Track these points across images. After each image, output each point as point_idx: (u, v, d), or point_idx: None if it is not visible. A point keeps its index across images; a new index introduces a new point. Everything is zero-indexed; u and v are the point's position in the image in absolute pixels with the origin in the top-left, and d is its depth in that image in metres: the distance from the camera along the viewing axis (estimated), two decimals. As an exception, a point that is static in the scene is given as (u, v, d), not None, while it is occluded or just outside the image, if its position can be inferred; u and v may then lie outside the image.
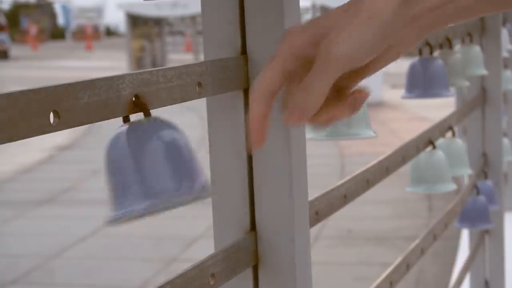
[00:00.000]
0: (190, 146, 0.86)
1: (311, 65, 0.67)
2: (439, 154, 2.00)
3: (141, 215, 0.80)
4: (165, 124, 0.85)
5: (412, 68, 1.85)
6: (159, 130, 0.84)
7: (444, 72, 1.85)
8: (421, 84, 1.83)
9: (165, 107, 0.93)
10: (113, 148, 0.83)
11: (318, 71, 0.66)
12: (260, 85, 0.71)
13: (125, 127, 0.84)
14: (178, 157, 0.84)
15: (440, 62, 1.85)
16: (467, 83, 2.12)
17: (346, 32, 0.65)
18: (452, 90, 1.92)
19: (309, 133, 1.29)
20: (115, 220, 0.81)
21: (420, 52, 1.87)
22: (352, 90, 0.72)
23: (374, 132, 1.33)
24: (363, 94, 0.72)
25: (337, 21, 0.66)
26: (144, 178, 0.82)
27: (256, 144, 0.74)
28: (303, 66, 0.69)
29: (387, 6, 0.65)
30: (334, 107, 0.71)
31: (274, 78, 0.71)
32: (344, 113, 0.72)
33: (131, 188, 0.81)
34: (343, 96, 0.71)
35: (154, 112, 0.90)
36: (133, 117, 0.87)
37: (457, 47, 2.27)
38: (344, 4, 0.67)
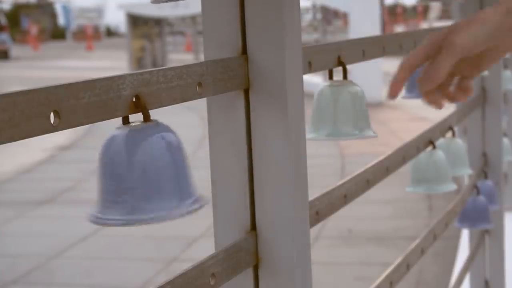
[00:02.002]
0: (183, 156, 0.86)
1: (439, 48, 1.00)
2: (439, 154, 2.00)
3: (126, 225, 0.81)
4: (162, 131, 0.85)
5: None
6: (154, 140, 0.83)
7: None
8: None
9: (166, 107, 0.93)
10: (107, 151, 0.83)
11: (444, 53, 0.99)
12: (408, 59, 1.04)
13: (121, 131, 0.84)
14: (169, 172, 0.83)
15: None
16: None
17: (466, 29, 0.97)
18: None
19: (310, 134, 1.30)
20: (100, 223, 0.81)
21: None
22: (465, 82, 1.06)
23: (374, 132, 1.33)
24: (469, 88, 1.07)
25: (461, 23, 0.99)
26: (134, 190, 0.81)
27: (392, 94, 1.05)
28: (437, 51, 1.01)
29: (495, 14, 0.96)
30: (448, 93, 1.05)
31: (418, 56, 1.03)
32: (453, 98, 1.06)
33: (121, 197, 0.81)
34: (460, 85, 1.06)
35: (154, 112, 0.90)
36: (133, 117, 0.88)
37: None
38: (470, 15, 1.02)
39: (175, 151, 0.84)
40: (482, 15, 0.96)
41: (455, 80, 1.05)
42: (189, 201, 0.84)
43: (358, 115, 1.31)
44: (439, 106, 1.06)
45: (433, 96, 1.04)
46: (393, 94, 1.05)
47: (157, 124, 0.85)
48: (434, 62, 1.00)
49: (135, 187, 0.81)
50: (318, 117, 1.31)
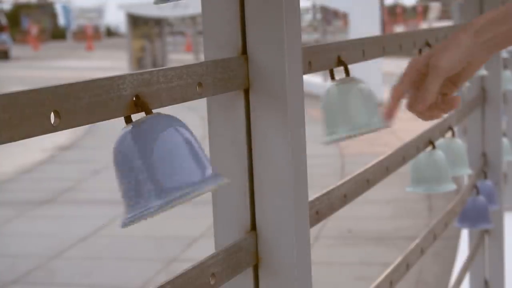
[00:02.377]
0: (194, 137, 0.87)
1: (425, 76, 1.13)
2: (439, 154, 2.00)
3: (158, 211, 0.81)
4: (168, 119, 0.86)
5: None
6: (163, 126, 0.85)
7: None
8: None
9: (166, 107, 0.93)
10: (120, 149, 0.83)
11: (431, 77, 1.12)
12: (396, 88, 1.17)
13: (130, 127, 0.84)
14: (186, 150, 0.85)
15: None
16: (467, 83, 2.12)
17: (445, 53, 1.12)
18: None
19: (330, 136, 1.30)
20: (133, 221, 0.81)
21: (420, 52, 1.87)
22: (449, 97, 1.18)
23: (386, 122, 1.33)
24: (455, 100, 1.18)
25: (439, 48, 1.13)
26: (156, 175, 0.82)
27: (386, 119, 1.18)
28: (420, 77, 1.15)
29: (467, 37, 1.11)
30: (437, 107, 1.17)
31: (405, 84, 1.16)
32: (442, 111, 1.18)
33: (144, 186, 0.82)
34: (445, 100, 1.18)
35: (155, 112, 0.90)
36: (134, 117, 0.88)
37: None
38: (443, 41, 1.15)
39: (184, 132, 0.86)
40: (456, 39, 1.12)
41: (439, 97, 1.19)
42: (210, 175, 0.86)
43: (371, 108, 1.31)
44: (432, 118, 1.20)
45: (426, 113, 1.18)
46: (387, 119, 1.19)
47: (160, 114, 0.86)
48: (423, 87, 1.14)
49: (156, 174, 0.82)
50: (332, 117, 1.31)
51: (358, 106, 1.30)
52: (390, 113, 1.17)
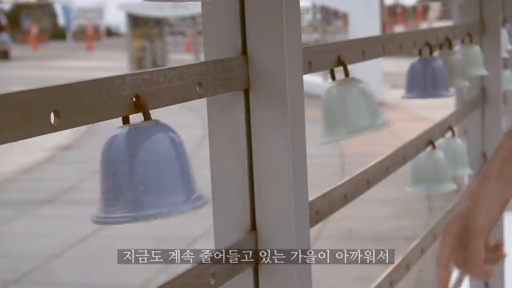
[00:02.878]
0: (185, 153, 0.85)
1: (465, 238, 1.19)
2: (439, 154, 2.00)
3: (130, 222, 0.80)
4: (162, 130, 0.85)
5: (412, 68, 1.85)
6: (156, 138, 0.83)
7: (444, 72, 1.85)
8: (421, 84, 1.83)
9: (166, 107, 0.93)
10: (108, 150, 0.83)
11: (475, 238, 1.18)
12: (442, 257, 1.21)
13: (126, 129, 0.84)
14: (172, 169, 0.83)
15: (440, 62, 1.85)
16: (467, 83, 2.12)
17: (480, 212, 1.18)
18: (452, 90, 1.92)
19: (327, 137, 1.30)
20: (104, 223, 0.81)
21: (420, 52, 1.87)
22: (494, 246, 1.25)
23: (387, 121, 1.33)
24: (500, 248, 1.25)
25: (471, 208, 1.19)
26: (138, 186, 0.81)
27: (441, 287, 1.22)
28: (461, 241, 1.20)
29: (493, 187, 1.18)
30: (487, 260, 1.21)
31: (448, 253, 1.21)
32: (493, 262, 1.24)
33: (124, 194, 0.81)
34: (488, 253, 1.22)
35: (155, 112, 0.90)
36: (135, 117, 0.88)
37: (457, 47, 2.27)
38: (468, 197, 1.22)
39: (176, 148, 0.85)
40: (483, 194, 1.19)
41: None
42: (191, 198, 0.85)
43: (371, 108, 1.32)
44: (487, 274, 1.24)
45: (480, 271, 1.22)
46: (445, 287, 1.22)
47: (157, 122, 0.85)
48: (470, 251, 1.20)
49: (137, 183, 0.81)
50: (332, 118, 1.31)
51: (358, 107, 1.30)
52: (445, 285, 1.21)
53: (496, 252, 1.24)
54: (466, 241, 1.20)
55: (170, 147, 0.84)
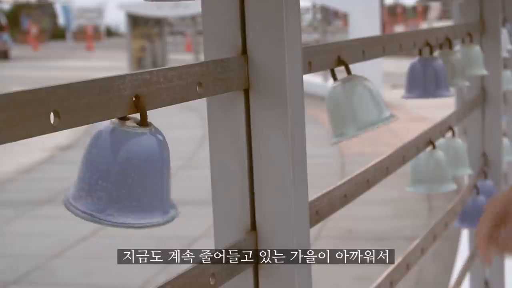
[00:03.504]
0: (166, 169, 0.84)
1: (506, 218, 1.24)
2: (439, 154, 2.00)
3: (98, 223, 0.80)
4: (150, 140, 0.84)
5: (412, 68, 1.85)
6: (146, 144, 0.83)
7: (444, 72, 1.84)
8: (421, 84, 1.83)
9: (166, 107, 0.93)
10: (97, 141, 0.82)
11: None
12: (481, 230, 1.25)
13: (113, 127, 0.83)
14: (155, 178, 0.83)
15: (440, 62, 1.85)
16: (467, 83, 2.11)
17: None
18: (452, 90, 1.92)
19: (338, 137, 1.30)
20: (69, 208, 0.80)
21: (420, 52, 1.87)
22: None
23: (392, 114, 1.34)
24: None
25: None
26: (115, 190, 0.80)
27: (485, 261, 1.28)
28: (501, 220, 1.24)
29: None
30: None
31: (487, 225, 1.25)
32: None
33: (100, 192, 0.80)
34: None
35: (155, 112, 0.89)
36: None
37: (457, 47, 2.27)
38: None
39: (157, 161, 0.83)
40: None
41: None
42: (162, 213, 0.84)
43: (377, 102, 1.32)
44: None
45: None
46: (488, 261, 1.28)
47: (150, 130, 0.84)
48: (509, 230, 1.25)
49: (111, 187, 0.80)
50: (339, 117, 1.31)
51: (365, 103, 1.30)
52: (488, 258, 1.27)
53: None
54: (506, 221, 1.24)
55: (150, 160, 0.83)
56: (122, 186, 0.81)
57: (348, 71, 1.35)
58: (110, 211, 0.80)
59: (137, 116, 0.86)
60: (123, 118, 0.84)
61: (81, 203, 0.81)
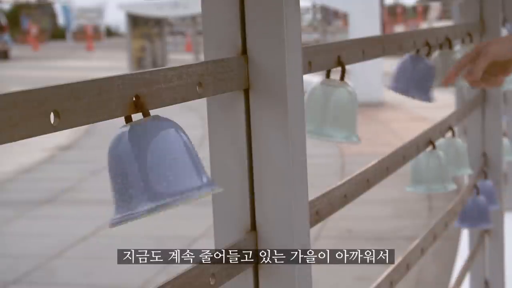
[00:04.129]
0: (190, 143, 0.86)
1: (477, 55, 1.64)
2: (439, 154, 2.00)
3: (146, 215, 0.81)
4: (165, 123, 0.85)
5: (402, 64, 1.84)
6: (159, 130, 0.84)
7: (429, 75, 1.81)
8: (404, 81, 1.82)
9: (166, 107, 0.93)
10: (115, 149, 0.83)
11: (481, 58, 1.62)
12: (460, 61, 1.69)
13: (127, 127, 0.84)
14: (180, 155, 0.84)
15: (428, 64, 1.82)
16: (467, 83, 2.11)
17: (498, 43, 1.63)
18: (433, 95, 1.87)
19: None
20: (121, 222, 0.81)
21: (418, 52, 1.86)
22: (496, 78, 1.68)
23: (358, 138, 1.33)
24: (498, 81, 1.68)
25: (496, 39, 1.66)
26: (147, 178, 0.82)
27: (446, 81, 1.74)
28: (476, 57, 1.64)
29: None
30: (484, 82, 1.67)
31: (466, 59, 1.67)
32: (488, 85, 1.71)
33: (135, 189, 0.81)
34: (492, 79, 1.68)
35: (154, 112, 0.89)
36: (135, 117, 0.88)
37: (457, 47, 2.27)
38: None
39: (180, 137, 0.85)
40: (509, 36, 1.58)
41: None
42: (204, 182, 0.85)
43: (345, 118, 1.31)
44: (478, 86, 1.70)
45: (475, 83, 1.66)
46: (448, 81, 1.72)
47: (157, 117, 0.86)
48: (475, 63, 1.62)
49: (150, 176, 0.81)
50: (314, 115, 1.31)
51: (331, 112, 1.31)
52: (450, 78, 1.69)
53: (495, 80, 1.66)
54: (475, 59, 1.62)
55: (173, 136, 0.85)
56: (153, 172, 0.82)
57: (342, 76, 1.35)
58: (161, 195, 0.81)
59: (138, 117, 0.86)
60: (127, 121, 0.85)
61: (127, 208, 0.82)
